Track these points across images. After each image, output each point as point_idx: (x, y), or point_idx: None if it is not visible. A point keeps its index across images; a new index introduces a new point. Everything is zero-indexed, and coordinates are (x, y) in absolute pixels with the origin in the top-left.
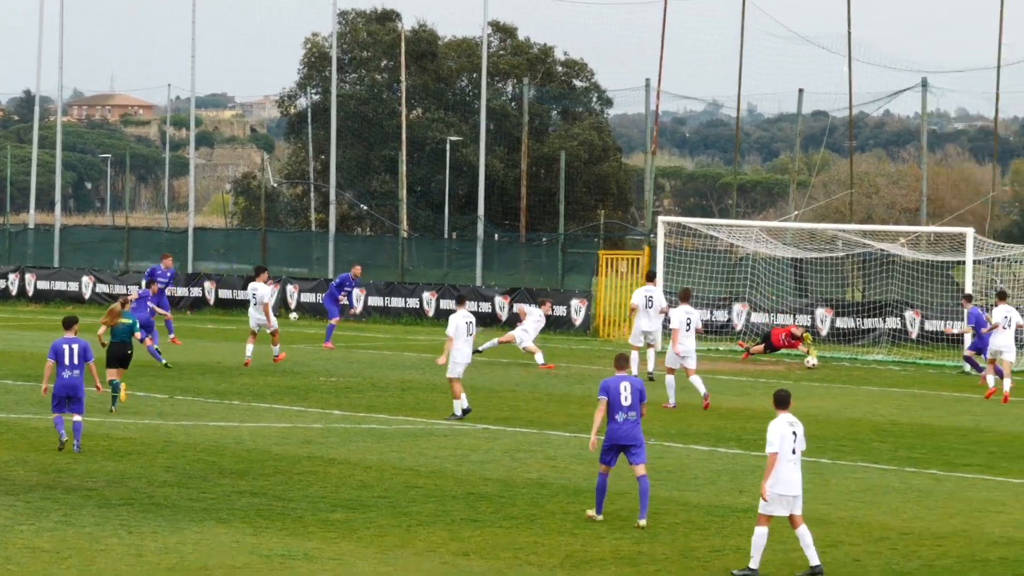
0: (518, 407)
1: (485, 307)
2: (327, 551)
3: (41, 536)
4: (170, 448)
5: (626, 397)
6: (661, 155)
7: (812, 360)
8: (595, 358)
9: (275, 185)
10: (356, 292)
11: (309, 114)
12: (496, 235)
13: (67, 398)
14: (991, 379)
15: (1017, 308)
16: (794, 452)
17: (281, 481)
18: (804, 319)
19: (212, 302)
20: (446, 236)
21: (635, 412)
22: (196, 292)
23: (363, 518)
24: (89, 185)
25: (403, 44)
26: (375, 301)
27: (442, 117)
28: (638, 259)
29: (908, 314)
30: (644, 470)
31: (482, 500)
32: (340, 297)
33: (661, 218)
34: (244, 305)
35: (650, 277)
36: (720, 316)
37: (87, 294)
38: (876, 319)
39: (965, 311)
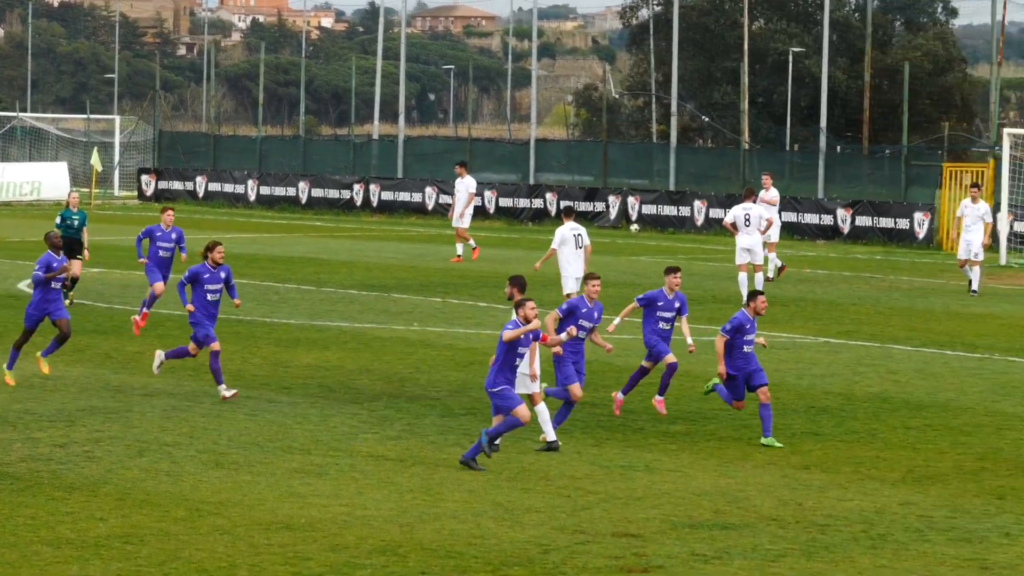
0: (860, 320)
1: (827, 219)
2: (667, 463)
3: (385, 444)
4: None
5: None
6: (1007, 66)
7: None
8: (937, 271)
9: (616, 96)
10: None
11: (651, 25)
12: (838, 147)
13: None
14: None
15: None
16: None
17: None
18: None
19: (553, 213)
20: (787, 148)
21: None
22: (538, 204)
23: (703, 430)
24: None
25: None
26: (715, 213)
27: (784, 28)
28: (983, 172)
29: None
30: None
31: (823, 414)
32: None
33: (1007, 130)
34: (586, 216)
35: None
36: None
37: (430, 205)
38: None
39: None
